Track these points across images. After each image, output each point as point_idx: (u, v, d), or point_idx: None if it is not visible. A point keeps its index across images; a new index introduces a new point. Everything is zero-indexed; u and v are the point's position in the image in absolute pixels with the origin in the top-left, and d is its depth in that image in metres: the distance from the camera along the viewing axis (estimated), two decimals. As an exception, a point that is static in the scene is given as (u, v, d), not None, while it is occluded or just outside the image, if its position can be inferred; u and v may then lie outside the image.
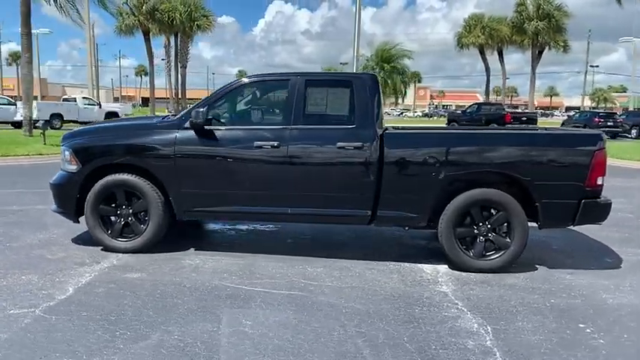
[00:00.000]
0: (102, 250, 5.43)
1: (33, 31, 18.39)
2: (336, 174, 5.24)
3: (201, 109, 5.17)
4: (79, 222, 5.62)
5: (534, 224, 5.13)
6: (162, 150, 5.32)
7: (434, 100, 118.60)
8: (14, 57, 76.80)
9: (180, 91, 45.23)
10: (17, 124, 24.57)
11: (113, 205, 5.42)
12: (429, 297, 4.37)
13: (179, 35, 43.07)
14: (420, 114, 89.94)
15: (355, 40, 26.29)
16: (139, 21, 40.00)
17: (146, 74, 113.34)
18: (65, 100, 33.11)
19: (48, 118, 26.42)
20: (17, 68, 73.34)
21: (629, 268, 5.33)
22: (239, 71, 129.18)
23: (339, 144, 5.14)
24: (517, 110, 52.47)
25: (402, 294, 4.44)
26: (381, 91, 5.39)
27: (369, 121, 5.19)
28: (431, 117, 79.62)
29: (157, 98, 46.14)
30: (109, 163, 5.40)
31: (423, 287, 4.62)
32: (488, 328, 3.77)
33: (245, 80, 5.64)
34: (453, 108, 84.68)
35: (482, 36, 43.80)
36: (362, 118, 5.21)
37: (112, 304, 4.04)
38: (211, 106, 5.39)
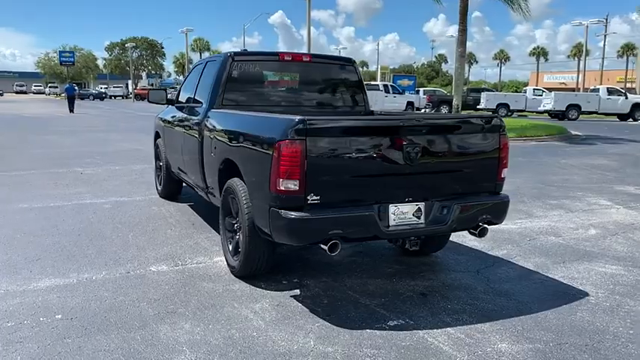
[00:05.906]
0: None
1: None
2: (192, 149, 5.40)
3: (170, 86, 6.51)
4: None
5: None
6: (163, 122, 6.91)
7: None
8: (625, 49, 78.95)
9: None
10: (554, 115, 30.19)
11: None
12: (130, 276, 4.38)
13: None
14: None
15: None
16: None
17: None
18: (592, 90, 33.26)
19: (564, 109, 29.83)
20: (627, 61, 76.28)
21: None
22: None
23: (192, 120, 5.37)
24: None
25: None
26: (230, 70, 5.03)
27: (206, 98, 5.19)
28: None
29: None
30: (156, 130, 7.41)
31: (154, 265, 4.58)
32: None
33: (196, 62, 6.47)
34: None
35: None
36: (206, 97, 5.21)
37: (35, 218, 6.21)
38: (184, 83, 6.52)
